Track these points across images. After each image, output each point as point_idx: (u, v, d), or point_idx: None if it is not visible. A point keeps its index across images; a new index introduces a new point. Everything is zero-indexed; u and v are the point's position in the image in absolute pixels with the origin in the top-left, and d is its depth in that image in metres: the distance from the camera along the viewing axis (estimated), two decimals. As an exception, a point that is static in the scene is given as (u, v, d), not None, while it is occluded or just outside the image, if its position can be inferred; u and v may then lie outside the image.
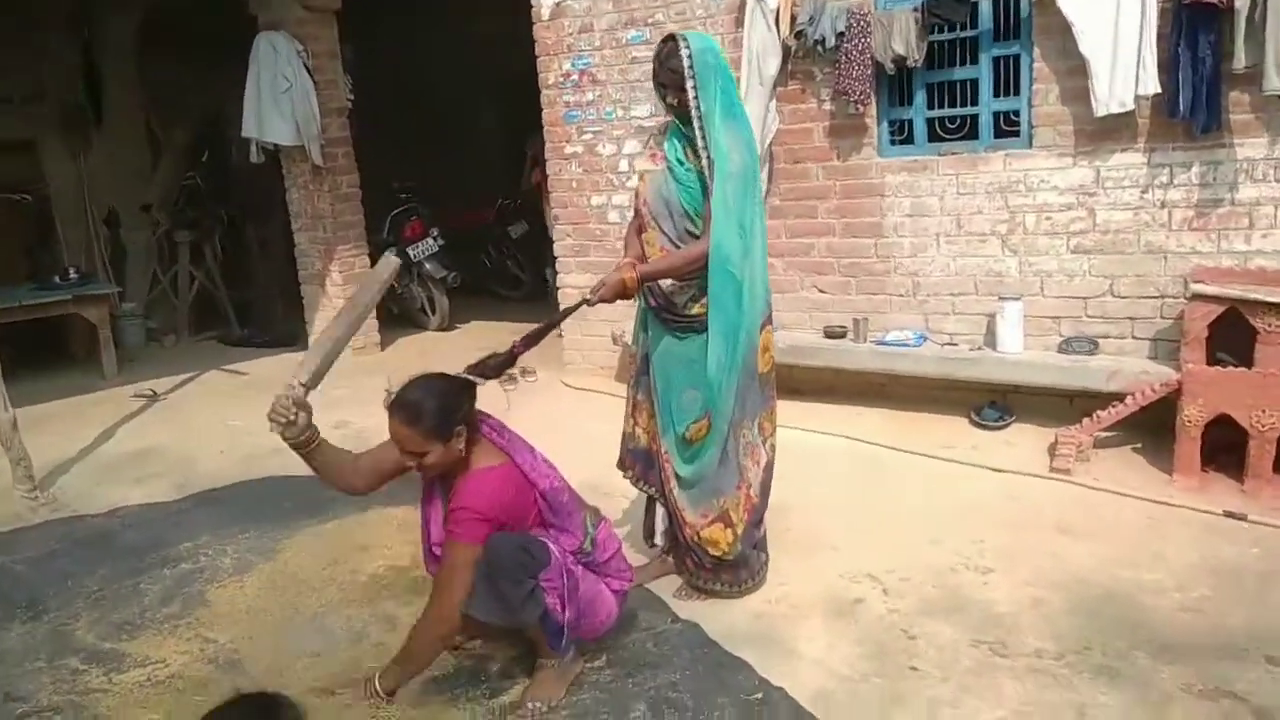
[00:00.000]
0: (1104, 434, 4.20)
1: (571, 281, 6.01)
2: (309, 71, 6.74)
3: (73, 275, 7.06)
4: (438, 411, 2.59)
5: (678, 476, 3.17)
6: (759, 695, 2.70)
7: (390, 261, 2.96)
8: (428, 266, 7.80)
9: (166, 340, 8.26)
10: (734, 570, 3.21)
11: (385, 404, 2.68)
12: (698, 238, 2.99)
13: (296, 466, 4.73)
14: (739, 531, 3.13)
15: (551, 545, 2.71)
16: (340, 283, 7.16)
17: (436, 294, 7.92)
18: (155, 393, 6.38)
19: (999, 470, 4.13)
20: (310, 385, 2.71)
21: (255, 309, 8.45)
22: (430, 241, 7.82)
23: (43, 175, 7.99)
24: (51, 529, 4.19)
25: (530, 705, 2.68)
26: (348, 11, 7.07)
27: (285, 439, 2.74)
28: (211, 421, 5.74)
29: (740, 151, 2.92)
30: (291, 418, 2.67)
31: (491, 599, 2.60)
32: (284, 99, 6.64)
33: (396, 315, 8.09)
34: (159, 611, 3.38)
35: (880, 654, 2.84)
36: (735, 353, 2.98)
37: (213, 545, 3.90)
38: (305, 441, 2.74)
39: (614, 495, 4.05)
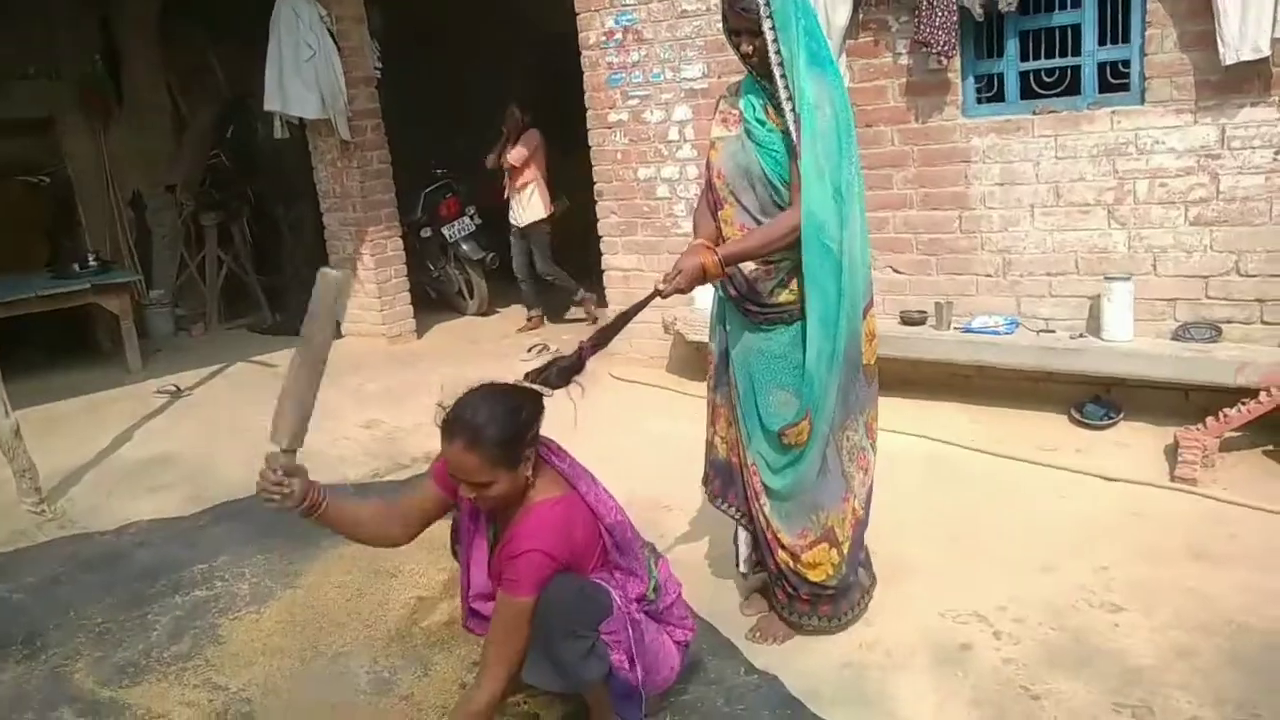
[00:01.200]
0: (1230, 435, 3.65)
1: (617, 264, 5.55)
2: (334, 38, 6.30)
3: (93, 262, 6.72)
4: (505, 433, 2.17)
5: (768, 490, 2.71)
6: None
7: (329, 277, 2.42)
8: (464, 248, 7.40)
9: (195, 329, 7.95)
10: (834, 601, 2.75)
11: (437, 421, 2.26)
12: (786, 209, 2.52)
13: (322, 473, 4.34)
14: (845, 552, 2.70)
15: (614, 591, 2.29)
16: (372, 266, 6.76)
17: (474, 276, 7.52)
18: (179, 388, 6.05)
19: (1111, 479, 3.60)
20: (292, 448, 2.30)
21: (286, 294, 8.09)
22: (467, 221, 7.40)
23: (62, 155, 7.65)
24: (56, 549, 3.88)
25: None
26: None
27: (287, 512, 2.34)
28: (236, 421, 5.37)
29: (832, 103, 2.45)
30: (286, 491, 2.27)
31: (545, 659, 2.19)
32: (307, 68, 6.21)
33: (434, 299, 7.70)
34: (166, 650, 3.06)
35: (1000, 718, 2.38)
36: (837, 340, 2.54)
37: (229, 568, 3.57)
38: (311, 507, 2.33)
39: (674, 509, 3.61)
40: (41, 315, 6.24)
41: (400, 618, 3.09)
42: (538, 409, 2.29)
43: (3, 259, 4.70)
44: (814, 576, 2.69)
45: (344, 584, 3.31)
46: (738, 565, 2.97)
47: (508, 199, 6.83)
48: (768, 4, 2.41)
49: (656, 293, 2.60)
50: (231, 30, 7.47)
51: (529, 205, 6.74)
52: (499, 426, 2.16)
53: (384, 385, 5.47)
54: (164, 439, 5.19)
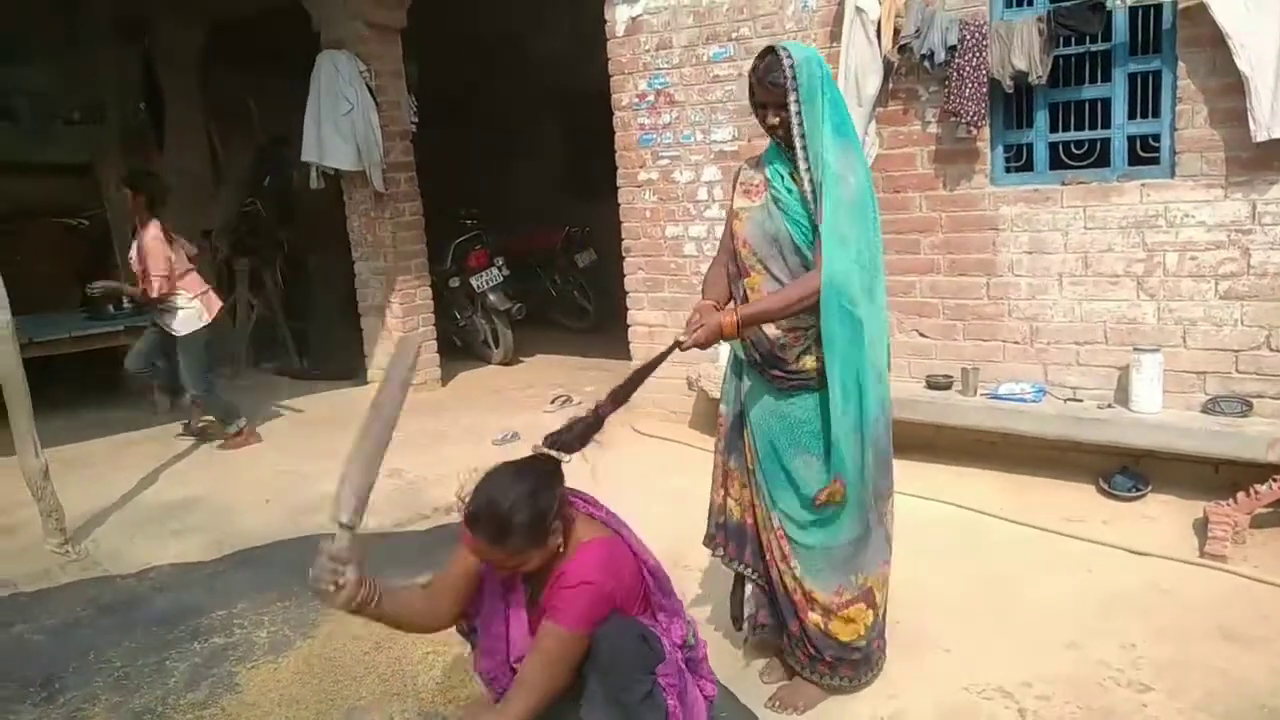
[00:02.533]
0: (1262, 512, 3.60)
1: (642, 319, 5.57)
2: (371, 92, 6.45)
3: (127, 305, 6.83)
4: (528, 519, 2.15)
5: (799, 547, 2.68)
6: None
7: (408, 342, 2.49)
8: (492, 298, 7.47)
9: (224, 371, 7.95)
10: (856, 666, 2.72)
11: (459, 509, 2.24)
12: None
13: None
14: (880, 615, 2.72)
15: (664, 637, 2.30)
16: (400, 314, 6.83)
17: (500, 326, 7.58)
18: (205, 431, 6.08)
19: (1140, 554, 3.54)
20: (354, 524, 2.20)
21: (315, 340, 8.19)
22: (495, 271, 7.49)
23: (100, 199, 7.83)
24: (79, 591, 3.89)
25: None
26: (412, 30, 6.77)
27: (339, 608, 2.21)
28: (259, 466, 5.43)
29: (855, 174, 2.51)
30: (340, 581, 2.14)
31: (606, 700, 2.17)
32: (345, 121, 6.34)
33: (459, 348, 7.76)
34: (183, 698, 3.05)
35: (1024, 800, 2.33)
36: (864, 409, 2.55)
37: (248, 615, 3.56)
38: (363, 602, 2.21)
39: (693, 569, 3.59)
40: (71, 355, 6.31)
41: (417, 673, 3.06)
42: (556, 480, 2.26)
43: (37, 299, 4.80)
44: (845, 636, 2.66)
45: (361, 636, 3.28)
46: (739, 625, 2.96)
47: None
48: (795, 78, 2.46)
49: (676, 345, 2.62)
50: (270, 78, 7.63)
51: (184, 316, 5.51)
52: (521, 514, 2.14)
53: (407, 433, 5.44)
54: (189, 482, 5.23)
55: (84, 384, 6.93)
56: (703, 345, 2.61)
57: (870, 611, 2.67)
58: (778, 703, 2.76)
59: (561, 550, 2.25)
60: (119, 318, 6.62)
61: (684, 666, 2.33)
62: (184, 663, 3.26)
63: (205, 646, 3.36)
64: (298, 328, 8.33)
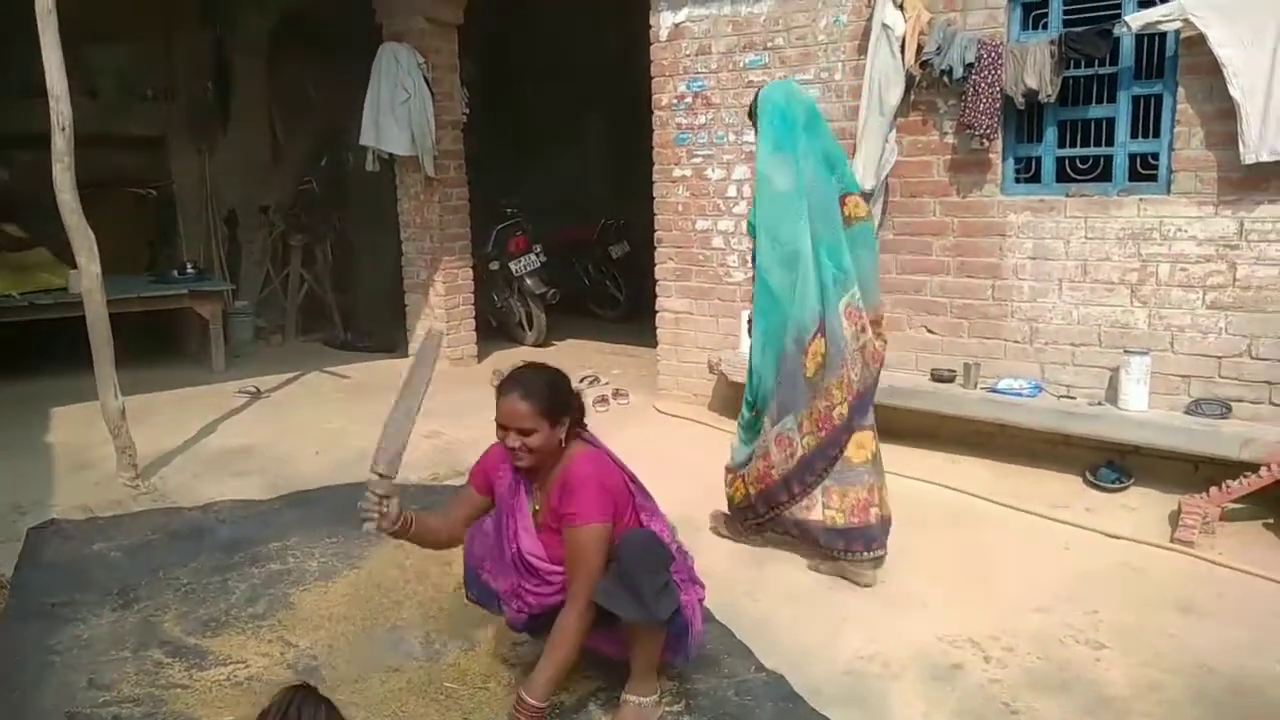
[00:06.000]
0: (1232, 506, 3.88)
1: (670, 306, 5.92)
2: (428, 83, 6.84)
3: (190, 270, 7.29)
4: (551, 391, 2.63)
5: None
6: None
7: (434, 334, 2.98)
8: (528, 282, 7.83)
9: (274, 339, 8.45)
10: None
11: (493, 383, 2.71)
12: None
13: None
14: (751, 491, 3.74)
15: (666, 540, 2.73)
16: (443, 293, 7.22)
17: (535, 310, 7.94)
18: (259, 390, 6.50)
19: (1115, 537, 3.85)
20: (390, 473, 2.65)
21: (360, 314, 8.62)
22: (533, 257, 7.85)
23: (169, 171, 8.32)
24: (149, 519, 4.27)
25: None
26: (469, 26, 7.18)
27: (382, 533, 2.68)
28: (309, 422, 5.81)
29: (785, 177, 3.50)
30: (383, 509, 2.61)
31: (626, 593, 2.53)
32: (402, 109, 6.75)
33: (494, 328, 8.15)
34: (244, 610, 3.41)
35: (979, 727, 2.65)
36: (781, 354, 3.54)
37: (300, 548, 3.92)
38: (402, 528, 2.68)
39: (703, 531, 3.96)
40: (135, 315, 6.70)
41: (453, 600, 3.38)
42: (576, 395, 2.74)
43: (108, 262, 5.19)
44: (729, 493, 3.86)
45: (404, 567, 3.65)
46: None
47: None
48: (752, 112, 3.69)
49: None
50: (331, 65, 8.07)
51: None
52: (546, 385, 2.64)
53: (446, 401, 5.84)
54: (245, 432, 5.62)
55: (148, 344, 7.32)
56: None
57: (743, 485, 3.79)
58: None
59: (564, 449, 2.66)
60: (182, 282, 7.08)
61: (690, 566, 2.71)
62: (244, 583, 3.61)
63: (262, 571, 3.71)
64: (344, 302, 8.75)
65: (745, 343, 4.52)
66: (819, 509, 3.55)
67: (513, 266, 7.81)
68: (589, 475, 2.61)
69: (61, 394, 6.08)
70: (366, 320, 8.49)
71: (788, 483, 3.59)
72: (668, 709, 2.73)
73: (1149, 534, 3.86)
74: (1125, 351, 4.24)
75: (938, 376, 4.75)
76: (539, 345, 7.99)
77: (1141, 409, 4.20)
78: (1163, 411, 4.21)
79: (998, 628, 3.15)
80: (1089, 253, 4.40)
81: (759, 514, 3.74)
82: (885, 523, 3.56)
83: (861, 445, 3.56)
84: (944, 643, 3.08)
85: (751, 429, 3.72)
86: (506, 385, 2.65)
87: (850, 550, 3.52)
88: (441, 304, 7.21)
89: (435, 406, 6.30)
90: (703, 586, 2.89)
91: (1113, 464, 4.34)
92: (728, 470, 3.86)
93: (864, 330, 3.52)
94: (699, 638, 2.81)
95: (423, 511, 2.82)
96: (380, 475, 2.61)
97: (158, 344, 7.57)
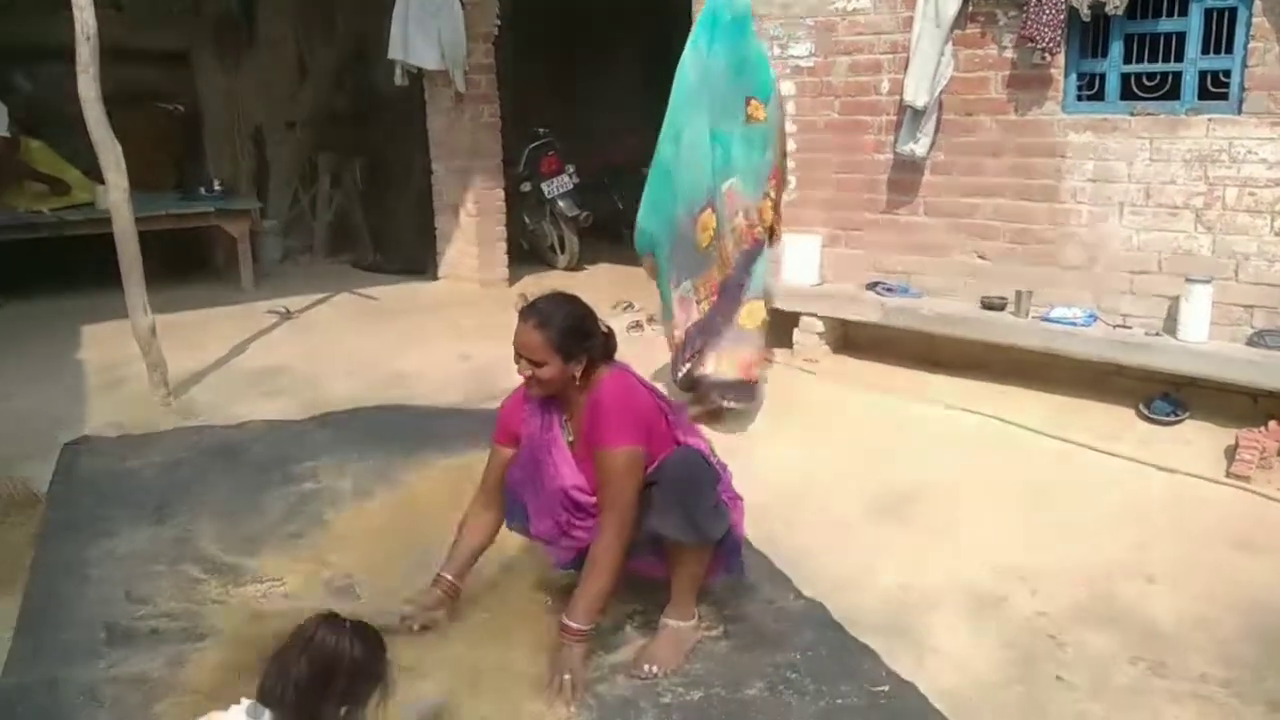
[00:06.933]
0: (1292, 440, 3.74)
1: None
2: (458, -7, 6.61)
3: (217, 188, 7.18)
4: (568, 325, 2.53)
5: None
6: (885, 688, 2.47)
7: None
8: (561, 204, 7.66)
9: (302, 259, 8.37)
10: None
11: (516, 307, 2.63)
12: None
13: (419, 396, 4.79)
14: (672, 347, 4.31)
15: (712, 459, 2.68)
16: (475, 214, 7.08)
17: (568, 233, 7.79)
18: (288, 311, 6.43)
19: (1168, 470, 3.72)
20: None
21: (389, 235, 8.49)
22: (565, 179, 7.67)
23: (194, 88, 8.17)
24: (182, 437, 4.24)
25: (646, 668, 2.53)
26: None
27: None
28: (339, 343, 5.75)
29: (694, 71, 4.01)
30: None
31: (677, 515, 2.50)
32: (431, 21, 6.53)
33: (526, 251, 8.00)
34: (280, 529, 3.37)
35: (1024, 660, 2.58)
36: (674, 221, 4.08)
37: (333, 468, 3.86)
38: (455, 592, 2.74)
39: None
40: (163, 234, 6.59)
41: None
42: (601, 329, 2.63)
43: (135, 179, 5.09)
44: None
45: (439, 490, 3.58)
46: None
47: None
48: None
49: None
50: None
51: None
52: (565, 319, 2.53)
53: (478, 323, 5.79)
54: (275, 352, 5.57)
55: (177, 263, 7.24)
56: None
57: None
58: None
59: (581, 383, 2.58)
60: (210, 200, 6.99)
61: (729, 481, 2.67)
62: (279, 502, 3.57)
63: (297, 490, 3.67)
64: (374, 223, 8.62)
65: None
66: (712, 363, 4.11)
67: (545, 188, 7.65)
68: (617, 399, 2.54)
69: (92, 312, 6.02)
70: (396, 241, 8.37)
71: (691, 340, 4.13)
72: (706, 634, 2.68)
73: (1204, 468, 3.73)
74: (1186, 280, 4.04)
75: (988, 304, 4.57)
76: (571, 269, 7.86)
77: (1201, 340, 4.03)
78: (1223, 342, 4.03)
79: (1044, 560, 3.06)
80: (1153, 175, 4.19)
81: (678, 370, 4.20)
82: (759, 383, 4.30)
83: (752, 314, 4.12)
84: (988, 572, 3.01)
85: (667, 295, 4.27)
86: (526, 312, 2.56)
87: (725, 397, 4.17)
88: (473, 226, 7.08)
89: (466, 329, 6.35)
90: (742, 500, 2.82)
91: (1168, 396, 4.18)
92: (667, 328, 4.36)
93: (739, 214, 4.02)
94: (740, 557, 2.79)
95: (464, 547, 2.82)
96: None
97: (186, 263, 7.48)
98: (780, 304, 4.97)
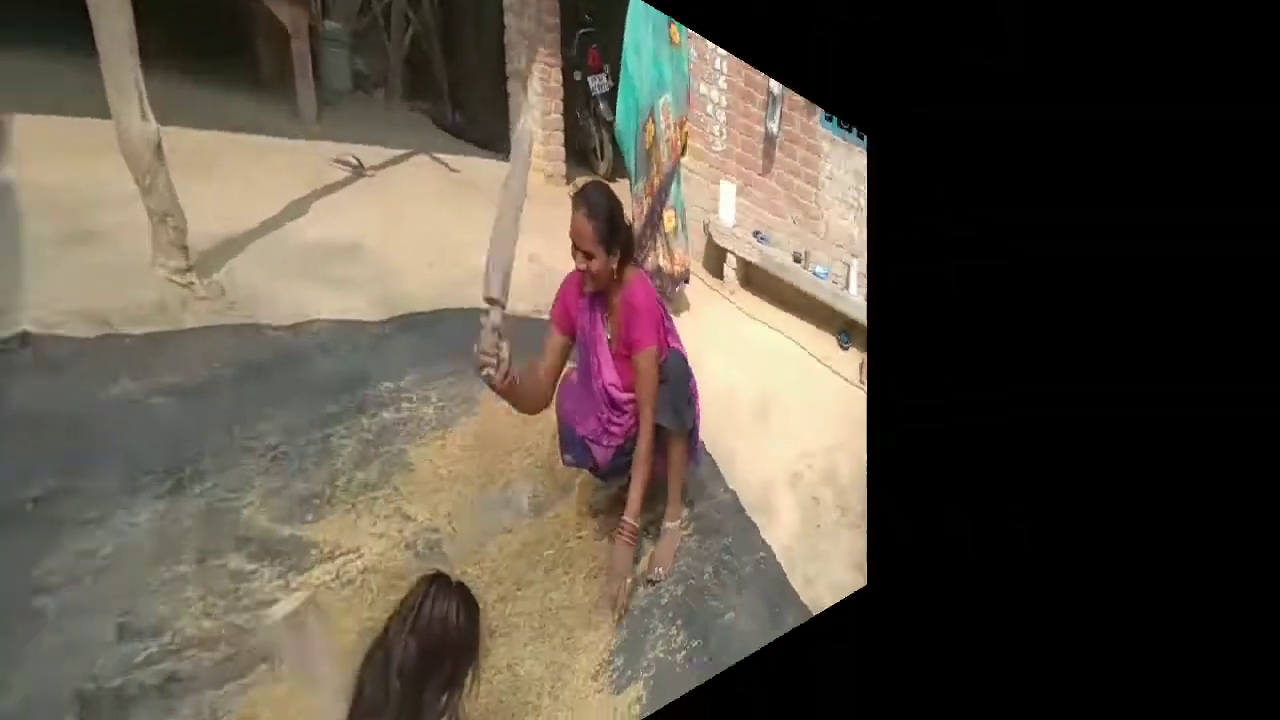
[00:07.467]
0: None
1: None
2: None
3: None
4: (611, 216, 2.87)
5: None
6: (761, 554, 3.44)
7: (524, 134, 2.76)
8: (601, 106, 7.04)
9: (376, 93, 6.99)
10: None
11: (569, 194, 2.92)
12: None
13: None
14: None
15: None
16: (540, 91, 6.63)
17: (606, 138, 7.01)
18: (360, 164, 5.17)
19: (844, 378, 5.27)
20: (503, 299, 2.52)
21: (466, 92, 7.63)
22: (604, 79, 7.02)
23: None
24: (213, 340, 2.94)
25: (658, 571, 3.08)
26: None
27: (493, 386, 2.57)
28: (421, 223, 4.64)
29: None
30: (500, 354, 2.52)
31: (670, 408, 2.94)
32: None
33: (575, 150, 7.32)
34: (353, 478, 2.71)
35: (804, 517, 3.82)
36: (635, 125, 4.86)
37: (416, 389, 3.30)
38: (509, 385, 2.61)
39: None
40: (192, 13, 4.98)
41: (551, 445, 3.41)
42: (628, 227, 2.98)
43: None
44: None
45: (510, 409, 3.00)
46: None
47: None
48: None
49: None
50: None
51: None
52: (608, 210, 2.87)
53: (541, 219, 5.65)
54: (346, 224, 4.33)
55: (207, 54, 5.35)
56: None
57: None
58: None
59: (617, 279, 2.89)
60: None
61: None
62: (352, 438, 2.81)
63: (374, 422, 2.97)
64: (453, 75, 7.67)
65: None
66: (658, 258, 5.11)
67: (591, 82, 7.09)
68: (649, 300, 2.89)
69: (42, 87, 3.91)
70: (473, 102, 7.53)
71: (643, 234, 4.98)
72: (683, 533, 3.38)
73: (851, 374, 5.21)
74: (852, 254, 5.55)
75: (796, 258, 6.05)
76: (609, 178, 7.28)
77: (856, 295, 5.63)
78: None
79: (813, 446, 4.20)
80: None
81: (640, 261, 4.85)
82: (686, 274, 5.29)
83: (668, 220, 5.14)
84: (794, 458, 4.13)
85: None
86: (577, 200, 2.87)
87: (664, 288, 5.09)
88: (539, 105, 6.71)
89: (531, 223, 5.87)
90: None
91: (844, 331, 5.69)
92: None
93: (669, 127, 4.97)
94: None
95: (518, 371, 2.70)
96: (492, 301, 2.49)
97: (217, 60, 5.52)
98: (715, 238, 6.08)
